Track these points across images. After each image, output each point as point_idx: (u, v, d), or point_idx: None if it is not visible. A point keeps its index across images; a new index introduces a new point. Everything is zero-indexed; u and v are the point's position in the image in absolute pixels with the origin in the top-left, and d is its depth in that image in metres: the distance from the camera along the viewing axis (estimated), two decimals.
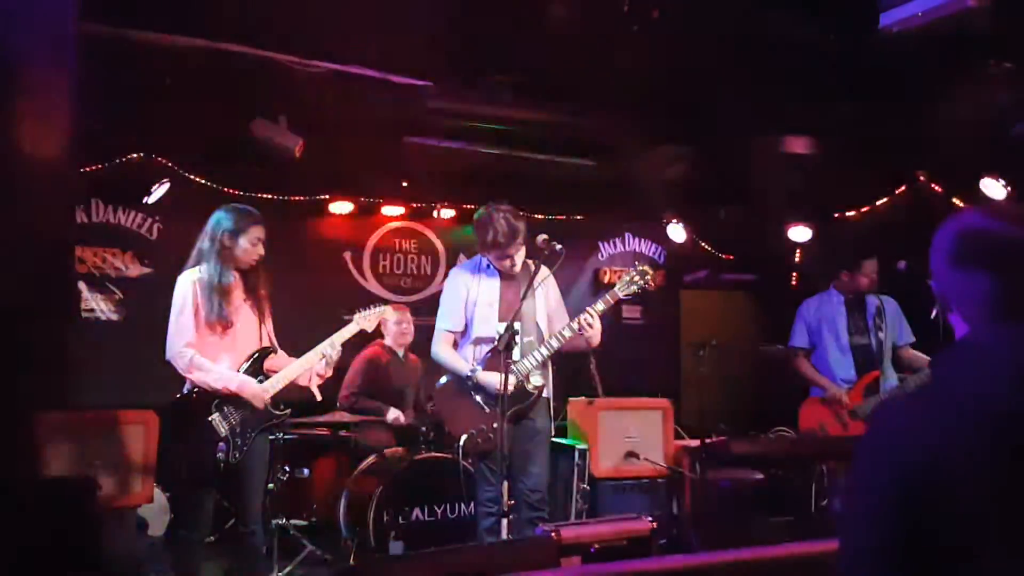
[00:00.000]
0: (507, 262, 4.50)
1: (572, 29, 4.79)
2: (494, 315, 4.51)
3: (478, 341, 4.52)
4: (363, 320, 4.54)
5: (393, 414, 6.19)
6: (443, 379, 4.62)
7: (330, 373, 4.38)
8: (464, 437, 4.31)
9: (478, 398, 4.43)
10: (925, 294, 1.71)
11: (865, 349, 5.65)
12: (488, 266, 4.61)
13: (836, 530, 1.46)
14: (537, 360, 4.39)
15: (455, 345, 4.62)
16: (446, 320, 4.60)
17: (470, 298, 4.56)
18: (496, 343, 4.34)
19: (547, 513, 4.48)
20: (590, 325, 4.36)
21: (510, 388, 4.11)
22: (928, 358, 5.56)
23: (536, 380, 4.44)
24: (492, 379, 4.31)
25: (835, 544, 1.45)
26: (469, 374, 4.43)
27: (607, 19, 4.69)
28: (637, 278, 4.50)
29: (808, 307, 5.89)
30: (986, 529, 1.28)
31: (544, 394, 4.52)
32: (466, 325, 4.57)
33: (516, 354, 4.30)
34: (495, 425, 4.17)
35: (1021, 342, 1.42)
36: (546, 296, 4.64)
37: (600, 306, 4.41)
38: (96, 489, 4.07)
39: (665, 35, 4.79)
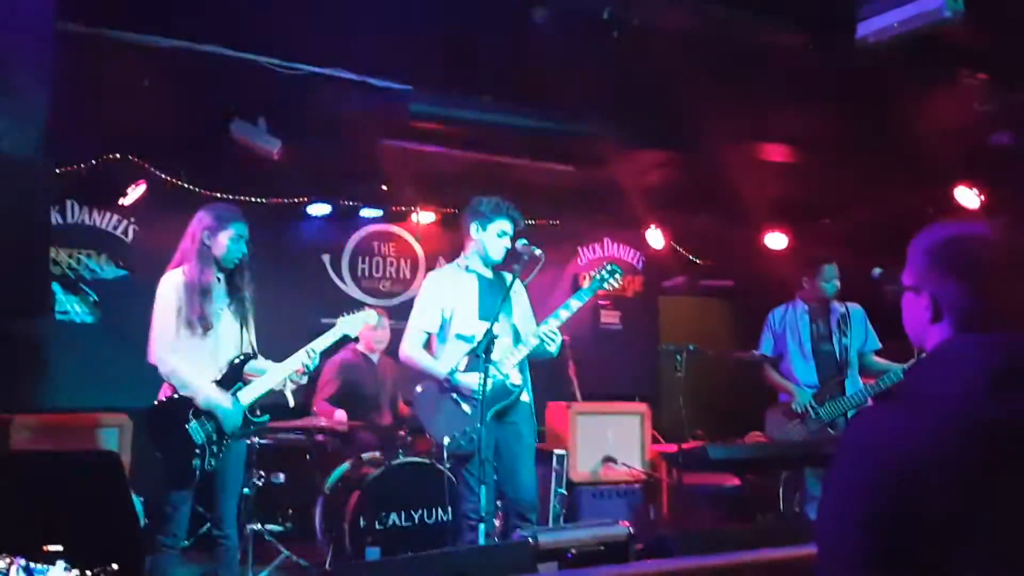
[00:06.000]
0: (504, 241, 4.51)
1: (552, 34, 4.80)
2: (474, 315, 4.51)
3: (457, 338, 4.50)
4: (346, 324, 4.50)
5: (338, 415, 6.08)
6: (420, 386, 4.57)
7: (305, 380, 4.35)
8: (447, 440, 4.29)
9: (458, 400, 4.40)
10: (895, 300, 1.70)
11: (828, 356, 5.72)
12: (468, 268, 4.61)
13: (812, 536, 1.47)
14: (515, 359, 4.39)
15: (430, 345, 4.60)
16: (421, 319, 4.57)
17: (449, 298, 4.55)
18: (475, 347, 4.34)
19: (536, 522, 4.45)
20: (552, 340, 4.38)
21: (491, 386, 4.11)
22: (894, 365, 5.60)
23: (517, 378, 4.44)
24: (472, 380, 4.29)
25: (810, 549, 1.46)
26: (447, 376, 4.41)
27: (588, 25, 4.71)
28: (606, 275, 4.52)
29: (774, 316, 5.97)
30: (962, 537, 1.29)
31: (525, 399, 4.51)
32: (443, 325, 4.55)
33: (495, 355, 4.30)
34: (477, 426, 4.16)
35: (996, 350, 1.44)
36: (521, 299, 4.65)
37: (564, 313, 4.43)
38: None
39: (645, 41, 4.81)
